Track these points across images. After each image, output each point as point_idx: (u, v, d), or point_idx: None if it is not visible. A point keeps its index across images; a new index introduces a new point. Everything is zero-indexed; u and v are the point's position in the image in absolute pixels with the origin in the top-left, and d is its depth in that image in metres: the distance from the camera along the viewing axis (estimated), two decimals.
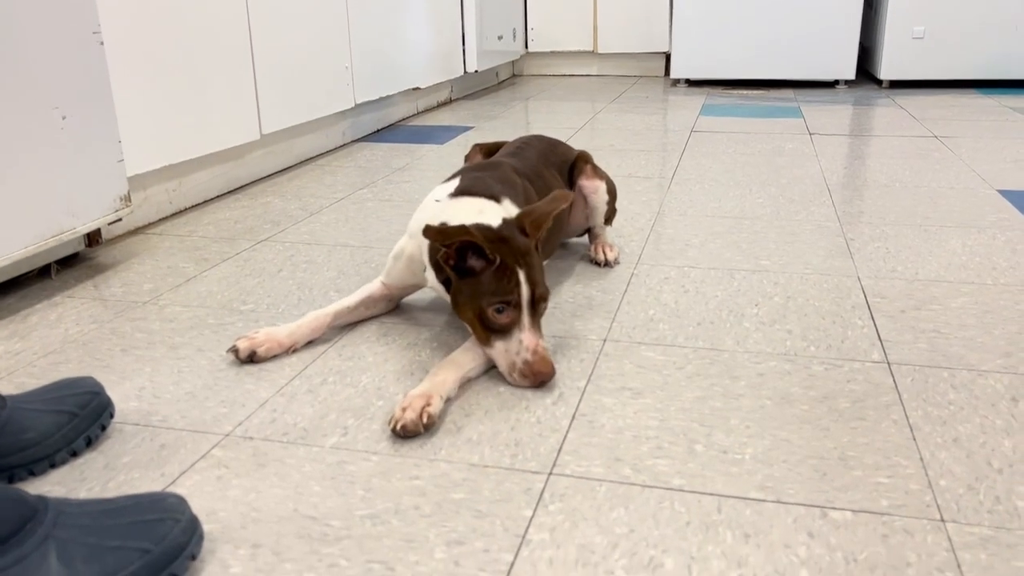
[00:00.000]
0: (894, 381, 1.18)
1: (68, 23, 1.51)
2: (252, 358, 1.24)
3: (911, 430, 1.05)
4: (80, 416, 1.00)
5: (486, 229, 1.17)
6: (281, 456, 1.01)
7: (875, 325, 1.36)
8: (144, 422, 1.09)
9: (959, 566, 0.81)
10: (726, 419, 1.08)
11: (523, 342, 1.15)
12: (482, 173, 1.38)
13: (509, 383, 1.17)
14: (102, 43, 1.59)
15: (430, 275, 1.26)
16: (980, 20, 3.86)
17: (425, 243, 1.23)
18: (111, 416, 1.05)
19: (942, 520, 0.88)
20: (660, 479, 0.95)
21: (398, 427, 1.03)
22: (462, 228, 1.12)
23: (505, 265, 1.15)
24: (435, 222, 1.19)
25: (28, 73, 1.43)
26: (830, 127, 3.13)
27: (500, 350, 1.16)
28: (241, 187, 2.31)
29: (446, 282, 1.22)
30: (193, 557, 0.80)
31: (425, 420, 1.04)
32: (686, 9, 4.15)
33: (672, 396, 1.14)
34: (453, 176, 1.40)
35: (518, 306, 1.15)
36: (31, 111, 1.44)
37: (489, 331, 1.16)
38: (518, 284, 1.15)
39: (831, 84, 4.21)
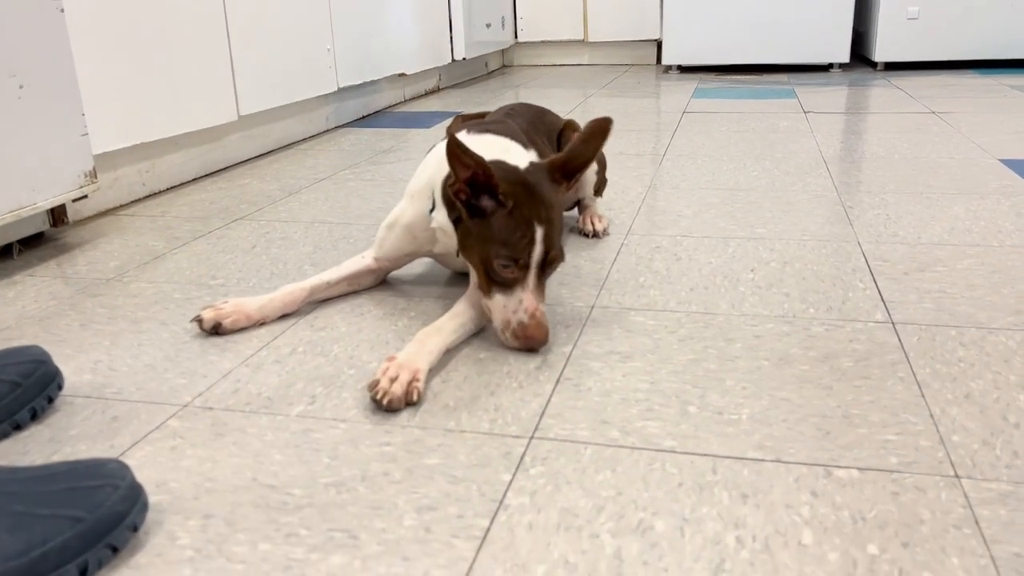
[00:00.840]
0: (899, 340, 1.10)
1: None
2: (217, 330, 1.16)
3: (919, 387, 0.98)
4: (24, 386, 0.93)
5: (508, 169, 1.08)
6: (242, 426, 0.94)
7: (877, 287, 1.29)
8: (97, 394, 1.01)
9: (977, 522, 0.74)
10: (721, 380, 1.01)
11: (523, 302, 1.07)
12: (496, 124, 1.29)
13: (499, 340, 1.10)
14: (62, 10, 1.51)
15: (440, 214, 1.15)
16: None
17: (439, 179, 1.14)
18: (59, 388, 0.98)
19: (956, 476, 0.80)
20: (650, 441, 0.88)
21: (384, 400, 0.94)
22: (480, 159, 1.02)
23: (521, 215, 1.05)
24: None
25: None
26: (825, 106, 3.06)
27: (498, 304, 1.08)
28: (218, 171, 2.23)
29: (456, 221, 1.11)
30: (135, 528, 0.73)
31: (413, 397, 0.96)
32: None
33: (663, 359, 1.07)
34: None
35: (526, 266, 1.06)
36: None
37: (491, 281, 1.08)
38: (531, 243, 1.05)
39: (825, 68, 4.14)
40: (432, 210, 1.18)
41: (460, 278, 1.37)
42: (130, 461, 0.87)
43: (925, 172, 2.01)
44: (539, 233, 1.06)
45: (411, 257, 1.32)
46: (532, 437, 0.89)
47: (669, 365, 1.05)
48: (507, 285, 1.07)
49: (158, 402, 0.99)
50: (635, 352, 1.09)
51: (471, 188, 1.05)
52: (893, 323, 1.16)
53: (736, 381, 1.01)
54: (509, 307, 1.08)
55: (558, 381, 1.02)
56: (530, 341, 1.07)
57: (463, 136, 1.18)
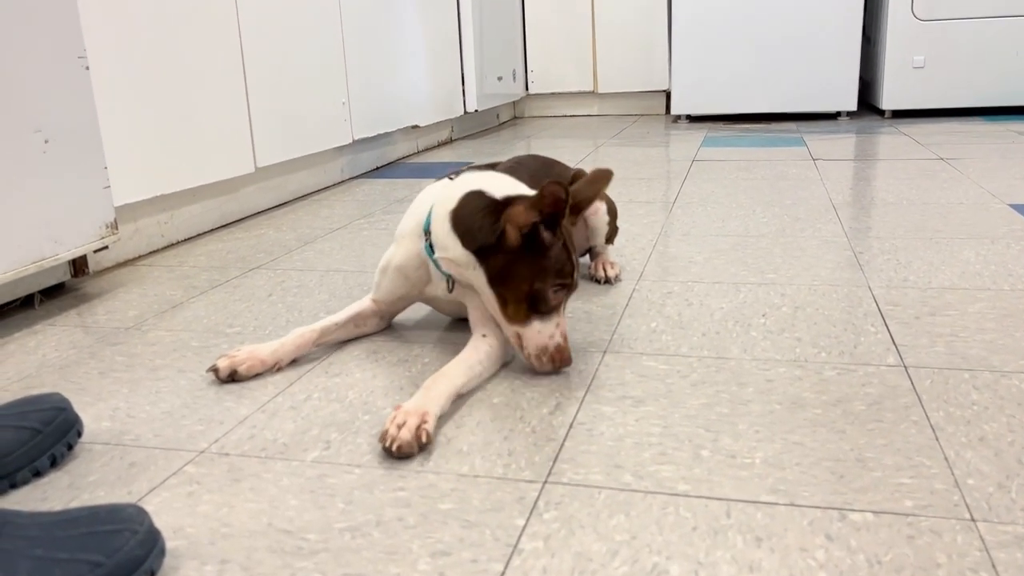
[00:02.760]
0: (912, 383, 1.11)
1: (52, 47, 1.49)
2: (233, 377, 1.18)
3: (933, 430, 0.98)
4: (44, 433, 0.94)
5: None
6: (258, 471, 0.94)
7: (889, 331, 1.30)
8: (115, 441, 1.03)
9: (994, 566, 0.73)
10: (733, 424, 1.01)
11: (559, 326, 1.13)
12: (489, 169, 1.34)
13: (530, 367, 1.16)
14: (87, 68, 1.56)
15: (451, 249, 1.15)
16: (981, 47, 3.85)
17: (439, 215, 1.17)
18: (79, 434, 0.99)
19: (972, 519, 0.80)
20: (664, 485, 0.88)
21: (393, 447, 0.95)
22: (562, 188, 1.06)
23: (565, 244, 1.12)
24: (453, 199, 1.15)
25: (8, 94, 1.40)
26: (834, 153, 3.09)
27: (534, 331, 1.12)
28: (235, 221, 2.27)
29: (480, 251, 1.12)
30: (152, 573, 0.73)
31: (423, 439, 0.96)
32: (685, 46, 4.15)
33: (676, 403, 1.07)
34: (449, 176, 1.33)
35: (570, 289, 1.14)
36: (11, 134, 1.41)
37: (532, 311, 1.12)
38: (575, 269, 1.14)
39: (833, 116, 4.19)
40: (430, 249, 1.20)
41: (465, 325, 1.38)
42: (147, 507, 0.88)
43: (935, 217, 2.03)
44: (576, 264, 1.15)
45: (406, 300, 1.35)
46: (546, 481, 0.90)
47: (682, 409, 1.06)
48: (547, 312, 1.12)
49: (175, 448, 1.00)
50: (648, 397, 1.10)
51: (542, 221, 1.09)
52: (905, 366, 1.16)
53: (749, 425, 1.01)
54: (545, 332, 1.13)
55: (571, 426, 1.02)
56: (564, 362, 1.14)
57: (460, 181, 1.22)
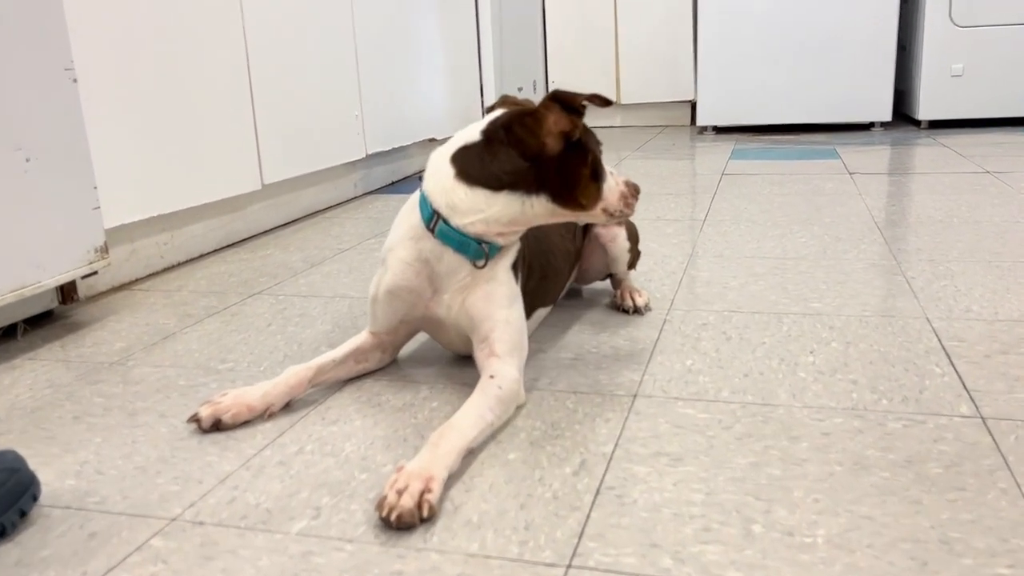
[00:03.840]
0: (993, 440, 0.96)
1: (35, 57, 1.38)
2: (218, 426, 1.05)
3: None
4: None
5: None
6: (234, 546, 0.81)
7: (957, 373, 1.15)
8: (77, 504, 0.90)
9: None
10: (788, 491, 0.87)
11: (614, 174, 1.17)
12: None
13: (619, 221, 1.31)
14: (75, 80, 1.45)
15: (479, 198, 1.07)
16: (1023, 54, 3.67)
17: (450, 182, 1.10)
18: (34, 499, 0.87)
19: None
20: (710, 572, 0.74)
21: (392, 517, 0.82)
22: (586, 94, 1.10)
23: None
24: (448, 170, 1.10)
25: None
26: (871, 166, 2.93)
27: (610, 192, 1.15)
28: (240, 241, 2.16)
29: (513, 184, 1.07)
30: None
31: (425, 512, 0.83)
32: (711, 55, 4.01)
33: (719, 463, 0.93)
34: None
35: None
36: None
37: (597, 181, 1.13)
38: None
39: (866, 127, 4.02)
40: (449, 234, 1.08)
41: (471, 362, 1.25)
42: None
43: (990, 237, 1.87)
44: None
45: (408, 325, 1.20)
46: (569, 566, 0.76)
47: (726, 470, 0.91)
48: (603, 175, 1.15)
49: (143, 515, 0.88)
50: (686, 453, 0.95)
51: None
52: (983, 418, 1.01)
53: (806, 492, 0.86)
54: (614, 186, 1.16)
55: (598, 491, 0.88)
56: (637, 189, 1.19)
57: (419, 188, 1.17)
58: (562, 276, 1.39)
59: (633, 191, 1.18)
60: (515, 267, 1.16)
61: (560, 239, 1.37)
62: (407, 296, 1.14)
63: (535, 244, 1.27)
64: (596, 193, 1.13)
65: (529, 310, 1.25)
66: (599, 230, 1.45)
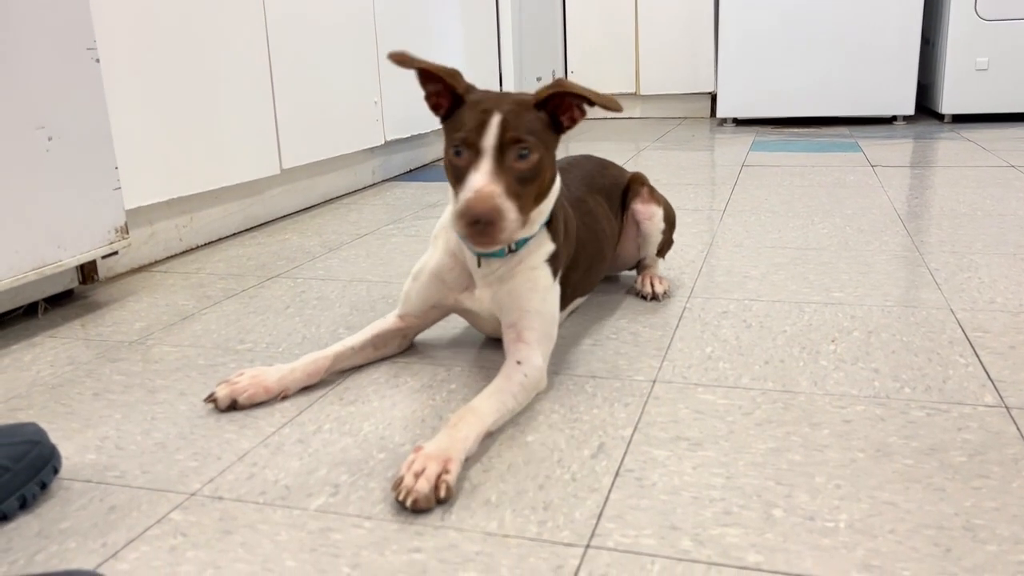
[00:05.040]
0: (1018, 429, 0.94)
1: (58, 37, 1.38)
2: (234, 406, 1.05)
3: None
4: (13, 471, 0.83)
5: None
6: (253, 521, 0.81)
7: (981, 363, 1.13)
8: (98, 478, 0.91)
9: None
10: (810, 476, 0.86)
11: (469, 183, 0.96)
12: None
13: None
14: (97, 60, 1.46)
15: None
16: None
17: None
18: (55, 471, 0.87)
19: None
20: (730, 554, 0.74)
21: (408, 501, 0.81)
22: (433, 65, 1.03)
23: (480, 107, 1.00)
24: None
25: (8, 88, 1.30)
26: (893, 159, 2.90)
27: (456, 200, 0.99)
28: (258, 225, 2.16)
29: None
30: None
31: (442, 493, 0.82)
32: (732, 47, 3.98)
33: (739, 447, 0.92)
34: None
35: (476, 149, 0.97)
36: (12, 130, 1.31)
37: (455, 181, 1.00)
38: (483, 126, 0.97)
39: (888, 120, 3.98)
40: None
41: (498, 344, 1.24)
42: (122, 565, 0.75)
43: (1015, 230, 1.84)
44: (495, 118, 0.98)
45: (439, 310, 1.20)
46: (588, 545, 0.76)
47: (747, 455, 0.91)
48: (463, 178, 0.98)
49: (163, 489, 0.88)
50: (706, 438, 0.95)
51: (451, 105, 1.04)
52: (1007, 408, 1.00)
53: (827, 477, 0.86)
54: (461, 197, 0.97)
55: (617, 473, 0.88)
56: (468, 214, 0.94)
57: None
58: (605, 263, 1.38)
59: (473, 203, 0.94)
60: (556, 257, 1.13)
61: (608, 223, 1.36)
62: (443, 284, 1.15)
63: (586, 232, 1.26)
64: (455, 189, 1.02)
65: (568, 301, 1.25)
66: (637, 206, 1.43)
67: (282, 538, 0.78)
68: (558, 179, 1.11)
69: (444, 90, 1.05)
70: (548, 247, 1.12)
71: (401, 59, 1.05)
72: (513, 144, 0.98)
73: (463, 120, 1.00)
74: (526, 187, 0.99)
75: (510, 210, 0.96)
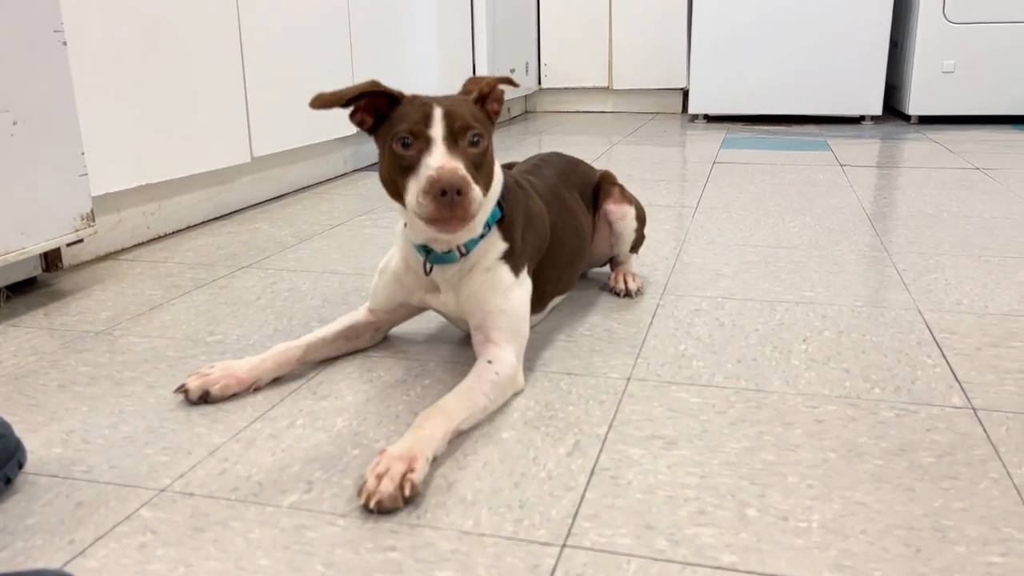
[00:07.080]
0: (985, 431, 0.96)
1: (24, 17, 1.35)
2: (206, 399, 1.04)
3: (1018, 492, 0.83)
4: None
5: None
6: (225, 518, 0.80)
7: (949, 364, 1.15)
8: (64, 473, 0.89)
9: None
10: (782, 476, 0.87)
11: (429, 163, 0.94)
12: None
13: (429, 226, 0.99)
14: (64, 43, 1.42)
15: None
16: (1017, 52, 3.69)
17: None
18: (19, 466, 0.85)
19: None
20: (705, 554, 0.74)
21: (372, 503, 0.80)
22: (361, 84, 1.01)
23: (419, 102, 1.00)
24: None
25: None
26: (862, 159, 2.94)
27: (412, 190, 0.96)
28: (228, 214, 2.13)
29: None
30: None
31: (407, 492, 0.81)
32: (704, 43, 4.00)
33: (713, 447, 0.93)
34: None
35: (425, 138, 0.96)
36: None
37: (403, 175, 0.97)
38: (428, 116, 0.97)
39: (856, 120, 4.03)
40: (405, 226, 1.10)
41: (466, 339, 1.24)
42: (90, 563, 0.74)
43: (980, 232, 1.88)
44: (438, 111, 0.97)
45: (407, 308, 1.20)
46: (564, 545, 0.76)
47: (721, 454, 0.91)
48: (414, 166, 0.96)
49: (132, 485, 0.86)
50: (680, 437, 0.95)
51: (374, 112, 1.03)
52: (974, 409, 1.01)
53: (800, 477, 0.86)
54: (419, 178, 0.95)
55: (593, 472, 0.88)
56: (440, 182, 0.92)
57: None
58: (584, 259, 1.38)
59: (444, 173, 0.92)
60: (512, 254, 1.11)
61: (584, 218, 1.37)
62: (403, 286, 1.15)
63: (564, 227, 1.26)
64: (401, 190, 1.00)
65: (548, 298, 1.26)
66: (609, 206, 1.44)
67: (255, 536, 0.77)
68: (500, 174, 1.11)
69: (367, 104, 1.03)
70: (500, 246, 1.10)
71: (323, 102, 1.01)
72: (464, 131, 0.98)
73: (404, 115, 0.98)
74: (480, 172, 1.00)
75: (475, 187, 0.95)
